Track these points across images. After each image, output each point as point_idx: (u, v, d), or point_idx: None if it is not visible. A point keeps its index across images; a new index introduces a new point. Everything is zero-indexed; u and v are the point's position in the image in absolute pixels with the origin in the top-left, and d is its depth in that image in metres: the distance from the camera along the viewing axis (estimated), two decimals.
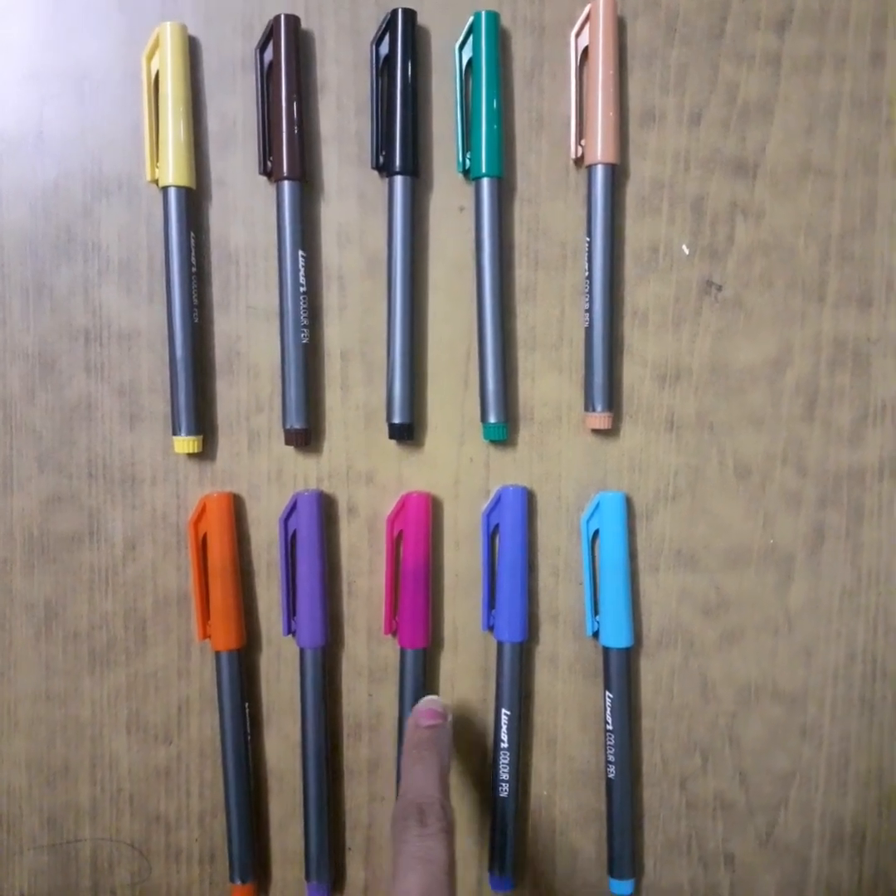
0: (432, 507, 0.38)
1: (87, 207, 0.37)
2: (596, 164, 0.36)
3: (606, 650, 0.38)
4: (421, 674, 0.38)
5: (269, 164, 0.37)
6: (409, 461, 0.38)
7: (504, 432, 0.37)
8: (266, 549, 0.38)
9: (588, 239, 0.37)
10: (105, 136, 0.37)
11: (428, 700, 0.36)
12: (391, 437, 0.37)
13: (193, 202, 0.37)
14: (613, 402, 0.38)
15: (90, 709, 0.38)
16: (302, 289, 0.36)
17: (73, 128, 0.37)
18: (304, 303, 0.36)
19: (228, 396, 0.38)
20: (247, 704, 0.38)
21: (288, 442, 0.37)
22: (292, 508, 0.37)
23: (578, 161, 0.37)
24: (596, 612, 0.38)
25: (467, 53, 0.36)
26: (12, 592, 0.38)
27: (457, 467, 0.38)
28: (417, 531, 0.37)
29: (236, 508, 0.38)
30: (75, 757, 0.39)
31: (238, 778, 0.38)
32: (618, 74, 0.36)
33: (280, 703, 0.39)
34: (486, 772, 0.39)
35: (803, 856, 0.40)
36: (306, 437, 0.37)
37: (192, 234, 0.36)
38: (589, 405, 0.37)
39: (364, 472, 0.38)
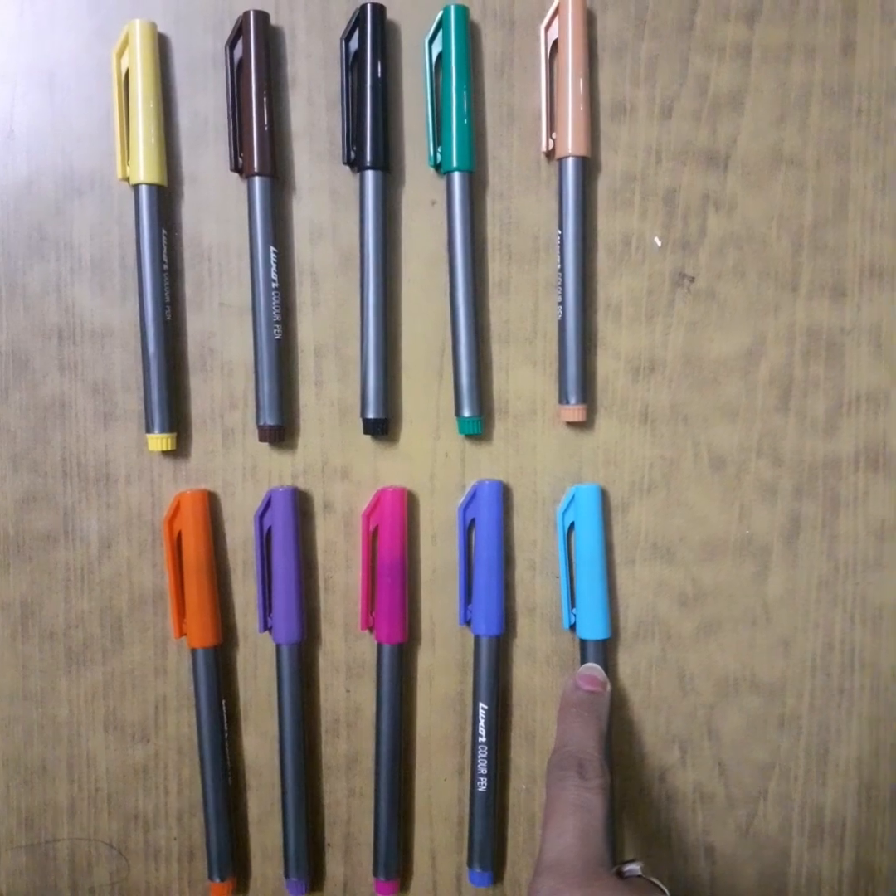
0: (408, 502, 0.38)
1: (58, 206, 0.37)
2: (567, 158, 0.36)
3: (583, 643, 0.38)
4: (398, 669, 0.38)
5: (240, 160, 0.37)
6: (384, 456, 0.38)
7: (479, 426, 0.37)
8: (241, 546, 0.38)
9: (560, 232, 0.37)
10: (76, 133, 0.37)
11: (589, 667, 0.37)
12: (366, 432, 0.37)
13: (165, 199, 0.37)
14: (587, 394, 0.38)
15: (67, 708, 0.38)
16: (274, 285, 0.36)
17: (44, 126, 0.37)
18: (276, 299, 0.36)
19: (202, 393, 0.38)
20: (224, 702, 0.38)
21: (262, 438, 0.37)
22: (267, 505, 0.37)
23: (549, 154, 0.37)
24: (572, 604, 0.38)
25: (437, 47, 0.36)
26: None
27: (432, 462, 0.38)
28: (393, 526, 0.37)
29: (211, 506, 0.38)
30: (52, 756, 0.39)
31: (216, 775, 0.38)
32: (588, 67, 0.36)
33: (257, 699, 0.39)
34: (464, 766, 0.39)
35: (784, 847, 0.40)
36: (281, 433, 0.37)
37: (164, 231, 0.36)
38: (563, 398, 0.37)
39: (339, 468, 0.38)
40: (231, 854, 0.38)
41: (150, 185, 0.36)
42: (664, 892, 0.28)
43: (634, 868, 0.29)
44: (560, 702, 0.36)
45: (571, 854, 0.27)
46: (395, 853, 0.38)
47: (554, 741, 0.33)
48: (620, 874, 0.29)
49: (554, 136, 0.37)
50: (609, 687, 0.36)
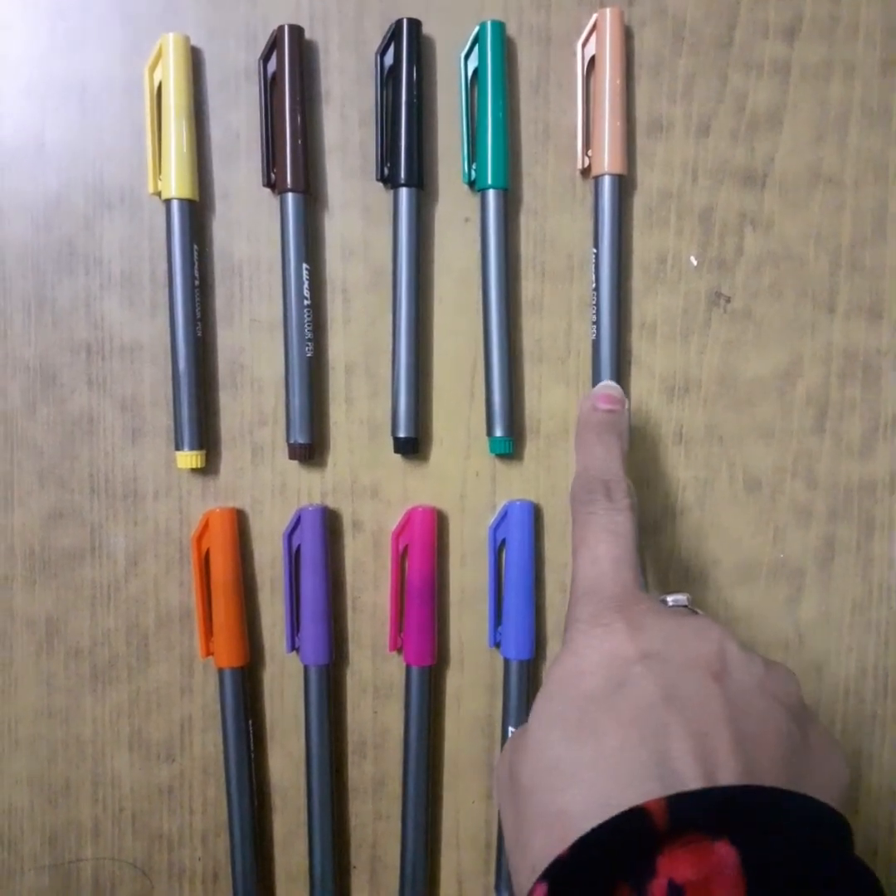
0: (438, 522, 0.38)
1: (88, 220, 0.37)
2: (603, 175, 0.36)
3: None
4: (427, 691, 0.37)
5: (272, 176, 0.36)
6: (414, 475, 0.38)
7: (510, 446, 0.37)
8: (270, 565, 0.38)
9: (595, 250, 0.36)
10: (107, 148, 0.37)
11: (605, 385, 0.34)
12: (396, 451, 0.37)
13: (196, 215, 0.36)
14: None
15: (92, 726, 0.38)
16: (306, 302, 0.36)
17: (75, 140, 0.37)
18: (308, 316, 0.36)
19: (232, 410, 0.37)
20: (250, 722, 0.38)
21: (292, 456, 0.37)
22: (296, 524, 0.37)
23: (585, 172, 0.37)
24: None
25: (473, 63, 0.36)
26: (13, 609, 0.38)
27: (463, 481, 0.38)
28: (423, 546, 0.37)
29: (240, 524, 0.37)
30: (77, 775, 0.38)
31: (241, 796, 0.37)
32: (625, 84, 0.36)
33: (284, 720, 0.38)
34: (492, 790, 0.39)
35: None
36: (310, 451, 0.37)
37: (195, 246, 0.36)
38: None
39: (369, 487, 0.38)
40: (256, 875, 0.38)
41: (181, 200, 0.36)
42: (711, 618, 0.26)
43: (680, 598, 0.28)
44: (577, 425, 0.32)
45: (607, 580, 0.26)
46: (421, 877, 0.38)
47: (575, 466, 0.31)
48: (663, 603, 0.28)
49: (589, 153, 0.36)
50: (628, 403, 0.33)
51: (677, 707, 0.22)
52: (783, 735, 0.22)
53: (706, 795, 0.20)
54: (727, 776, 0.20)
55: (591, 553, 0.27)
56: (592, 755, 0.22)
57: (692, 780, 0.20)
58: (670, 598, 0.28)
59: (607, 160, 0.36)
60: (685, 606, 0.28)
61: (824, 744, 0.24)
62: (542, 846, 0.21)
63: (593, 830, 0.20)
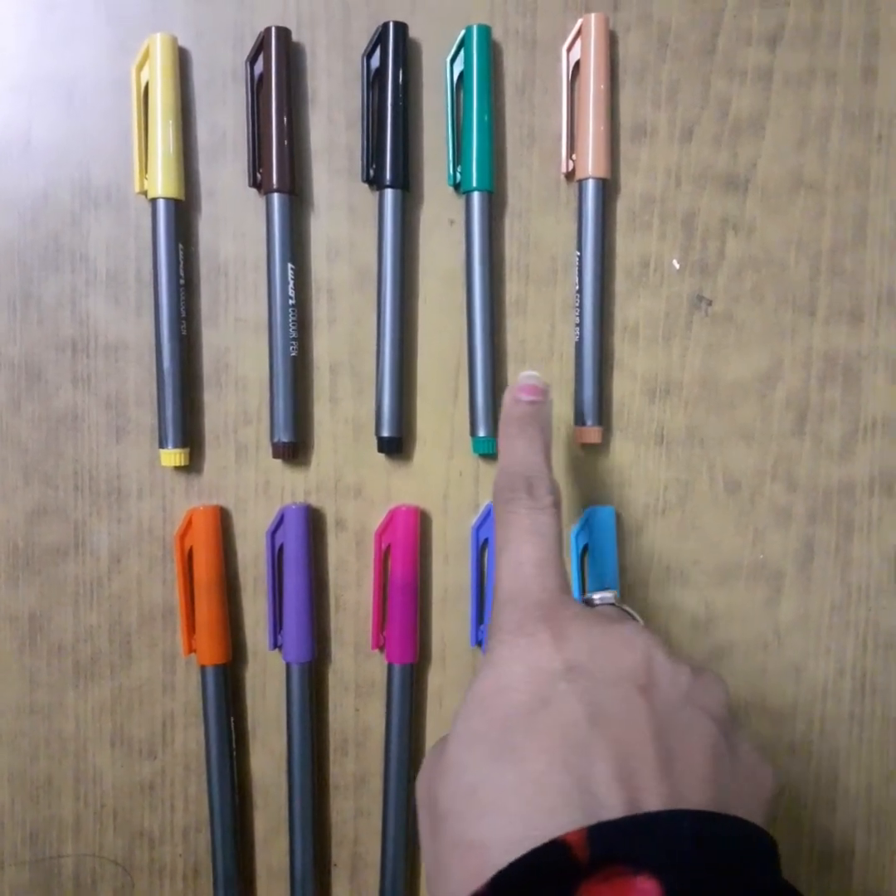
0: (421, 521, 0.38)
1: (75, 218, 0.37)
2: (587, 179, 0.36)
3: None
4: (408, 689, 0.37)
5: (259, 176, 0.36)
6: (397, 475, 0.38)
7: (493, 446, 0.37)
8: (253, 563, 0.38)
9: (578, 253, 0.37)
10: (94, 146, 0.37)
11: (526, 375, 0.31)
12: (380, 450, 0.37)
13: (182, 214, 0.36)
14: (604, 416, 0.38)
15: (74, 723, 0.38)
16: (291, 301, 0.36)
17: (62, 137, 0.37)
18: (293, 315, 0.36)
19: (216, 409, 0.38)
20: (232, 719, 0.38)
21: (276, 455, 0.37)
22: (280, 522, 0.37)
23: (569, 175, 0.37)
24: None
25: (459, 67, 0.36)
26: None
27: (446, 481, 0.38)
28: (406, 545, 0.37)
29: (223, 522, 0.38)
30: (58, 771, 0.38)
31: (223, 793, 0.37)
32: (609, 89, 0.36)
33: (266, 717, 0.39)
34: None
35: (792, 873, 0.40)
36: (294, 450, 0.37)
37: (180, 245, 0.36)
38: (579, 419, 0.37)
39: (352, 486, 0.38)
40: (237, 872, 0.38)
41: (167, 200, 0.36)
42: (636, 619, 0.26)
43: (607, 596, 0.27)
44: (500, 419, 0.31)
45: (532, 585, 0.25)
46: (402, 874, 0.38)
47: (497, 462, 0.30)
48: (590, 603, 0.27)
49: (574, 157, 0.37)
50: (551, 394, 0.31)
51: (602, 726, 0.21)
52: (710, 749, 0.22)
53: (628, 825, 0.19)
54: (652, 800, 0.20)
55: (513, 557, 0.26)
56: (513, 780, 0.21)
57: (615, 807, 0.20)
58: (597, 596, 0.27)
59: (591, 164, 0.36)
60: (612, 604, 0.27)
61: (751, 753, 0.23)
62: (460, 879, 0.20)
63: (511, 865, 0.19)
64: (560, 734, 0.21)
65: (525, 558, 0.25)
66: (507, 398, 0.31)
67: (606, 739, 0.21)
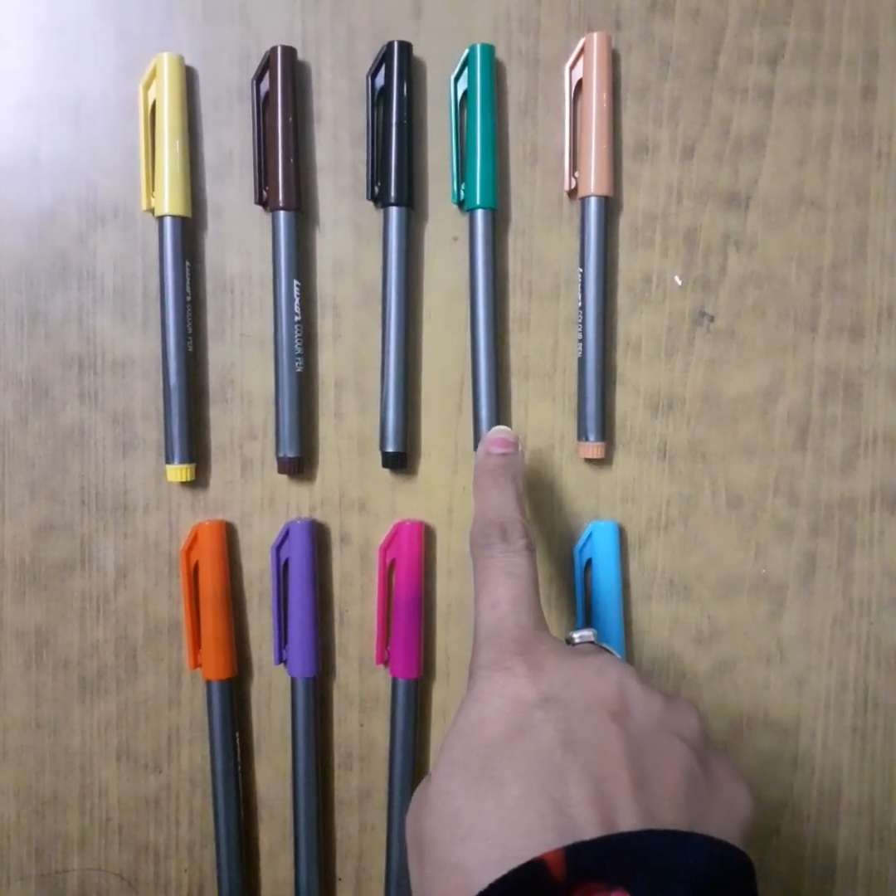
0: (425, 536, 0.38)
1: (82, 235, 0.37)
2: (589, 196, 0.37)
3: None
4: (413, 704, 0.38)
5: (264, 194, 0.37)
6: (402, 489, 0.38)
7: None
8: (258, 578, 0.38)
9: (581, 270, 0.37)
10: (101, 164, 0.37)
11: (497, 430, 0.34)
12: (384, 465, 0.37)
13: (189, 231, 0.37)
14: (606, 431, 0.38)
15: (80, 737, 0.38)
16: (296, 318, 0.36)
17: (70, 155, 0.37)
18: (298, 331, 0.37)
19: (222, 425, 0.38)
20: (237, 734, 0.38)
21: (281, 470, 0.37)
22: (285, 537, 0.37)
23: (572, 193, 0.38)
24: None
25: (462, 86, 0.37)
26: (2, 620, 0.38)
27: (450, 496, 0.38)
28: (410, 560, 0.37)
29: (228, 537, 0.38)
30: (64, 786, 0.38)
31: (228, 808, 0.37)
32: (611, 107, 0.37)
33: (271, 732, 0.39)
34: None
35: (794, 887, 0.40)
36: (299, 465, 0.37)
37: (187, 262, 0.36)
38: (582, 434, 0.37)
39: (357, 501, 0.38)
40: (242, 887, 0.38)
41: (174, 217, 0.36)
42: (613, 655, 0.26)
43: (586, 634, 0.28)
44: (474, 472, 0.32)
45: (508, 622, 0.26)
46: (406, 889, 0.38)
47: (473, 513, 0.31)
48: (570, 642, 0.28)
49: (576, 174, 0.37)
50: (521, 446, 0.33)
51: (576, 752, 0.22)
52: (684, 771, 0.22)
53: (603, 844, 0.20)
54: (627, 820, 0.21)
55: (490, 597, 0.27)
56: (492, 805, 0.22)
57: (591, 828, 0.20)
58: (576, 635, 0.28)
59: (594, 181, 0.36)
60: (592, 642, 0.28)
61: (728, 777, 0.24)
62: None
63: (492, 885, 0.20)
64: (536, 761, 0.22)
65: (500, 598, 0.26)
66: (480, 451, 0.33)
67: (581, 764, 0.22)
